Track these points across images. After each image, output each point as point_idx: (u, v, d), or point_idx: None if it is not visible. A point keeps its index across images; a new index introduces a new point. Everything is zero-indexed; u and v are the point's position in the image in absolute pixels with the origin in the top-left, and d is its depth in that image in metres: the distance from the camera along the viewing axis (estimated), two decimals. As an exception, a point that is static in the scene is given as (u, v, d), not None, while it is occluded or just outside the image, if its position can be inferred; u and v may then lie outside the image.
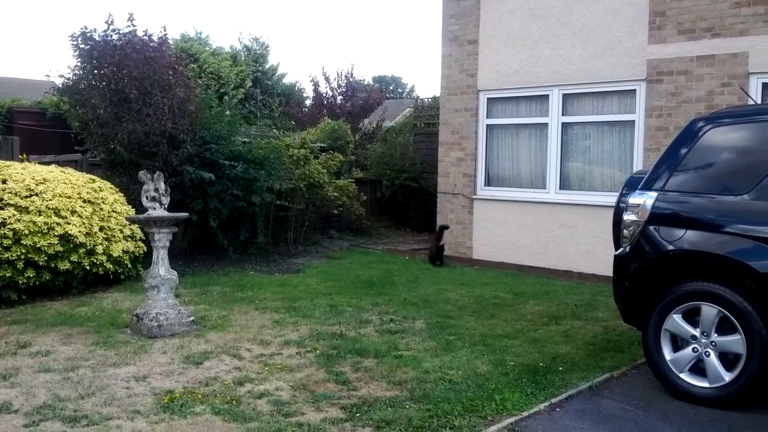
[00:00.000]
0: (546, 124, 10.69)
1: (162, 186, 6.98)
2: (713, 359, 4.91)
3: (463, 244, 11.59)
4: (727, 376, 4.85)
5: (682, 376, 5.06)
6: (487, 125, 11.43)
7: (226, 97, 11.06)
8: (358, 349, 6.12)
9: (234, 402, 4.90)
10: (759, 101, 8.39)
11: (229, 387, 5.20)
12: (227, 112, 10.96)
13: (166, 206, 7.02)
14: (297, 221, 12.08)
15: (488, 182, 11.47)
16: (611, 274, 5.78)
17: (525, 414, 4.71)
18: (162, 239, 6.83)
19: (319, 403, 4.91)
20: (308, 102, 23.87)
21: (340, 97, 21.33)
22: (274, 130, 13.39)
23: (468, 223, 11.54)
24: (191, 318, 6.86)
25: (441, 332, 6.78)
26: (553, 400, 4.93)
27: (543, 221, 10.60)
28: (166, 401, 4.86)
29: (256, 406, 4.84)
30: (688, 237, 5.14)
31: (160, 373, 5.48)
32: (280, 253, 11.61)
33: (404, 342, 6.42)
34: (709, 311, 4.92)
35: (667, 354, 5.14)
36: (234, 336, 6.54)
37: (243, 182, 10.16)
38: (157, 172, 7.13)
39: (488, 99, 11.37)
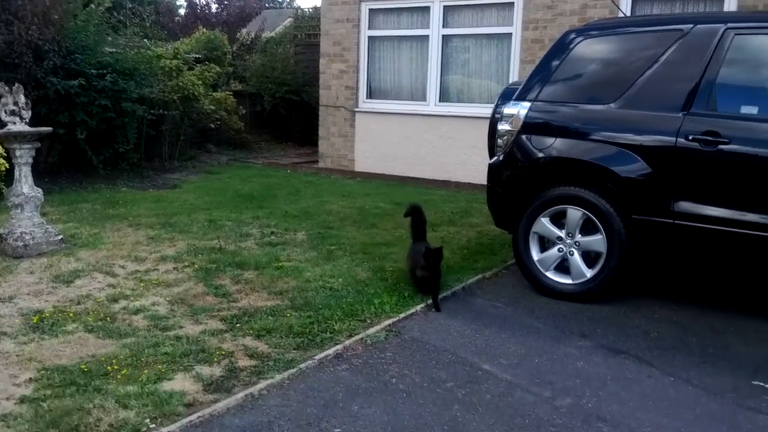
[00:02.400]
0: (427, 37, 10.68)
1: (22, 99, 6.48)
2: (576, 258, 5.23)
3: (345, 157, 11.60)
4: (589, 273, 5.19)
5: (548, 274, 5.37)
6: (369, 37, 11.29)
7: (92, 5, 10.19)
8: (238, 262, 6.08)
9: (108, 319, 4.77)
10: (628, 14, 8.70)
11: (103, 304, 5.05)
12: (94, 21, 10.19)
13: (28, 120, 6.54)
14: (172, 136, 11.64)
15: (370, 95, 11.44)
16: (486, 183, 5.96)
17: (402, 315, 4.87)
18: (24, 155, 6.40)
19: (197, 316, 4.87)
20: (182, 11, 22.66)
21: (215, 4, 20.38)
22: (145, 41, 12.63)
23: (350, 136, 11.53)
24: (60, 236, 6.55)
25: (322, 243, 6.83)
26: (429, 302, 5.11)
27: (423, 133, 10.74)
28: (35, 321, 4.67)
29: (132, 322, 4.74)
30: (557, 145, 5.35)
31: (28, 294, 5.24)
32: (155, 168, 11.19)
33: (285, 253, 6.43)
34: (574, 214, 5.20)
35: (535, 254, 5.43)
36: (106, 253, 6.32)
37: (112, 93, 9.62)
38: (16, 84, 6.61)
39: (370, 10, 11.19)
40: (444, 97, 10.68)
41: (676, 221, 4.84)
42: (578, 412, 3.63)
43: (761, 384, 3.95)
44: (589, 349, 4.44)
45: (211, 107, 11.89)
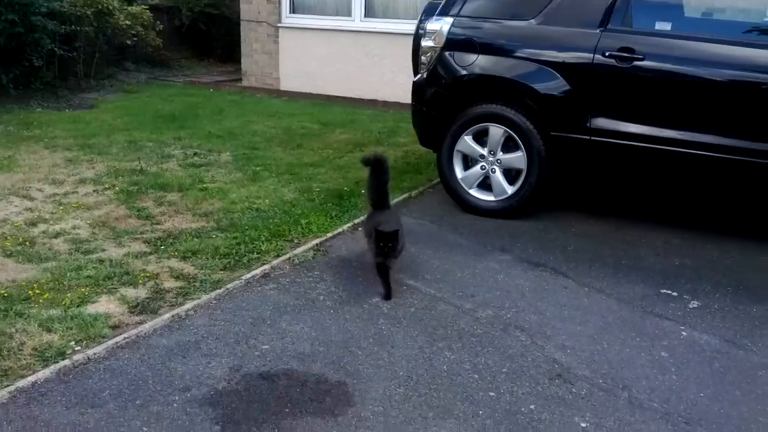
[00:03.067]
0: (351, -53, 10.38)
1: None
2: (498, 175, 5.35)
3: (270, 75, 11.34)
4: (510, 190, 5.33)
5: (471, 191, 5.49)
6: (291, -53, 10.90)
7: None
8: (161, 183, 5.97)
9: (27, 243, 4.65)
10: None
11: (21, 229, 4.91)
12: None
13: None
14: (87, 53, 11.07)
15: (293, 10, 11.11)
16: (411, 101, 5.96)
17: (329, 235, 4.92)
18: None
19: (120, 239, 4.80)
20: None
21: None
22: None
23: (274, 53, 11.25)
24: (-30, 160, 6.26)
25: (248, 164, 6.75)
26: (356, 221, 5.17)
27: (349, 50, 10.57)
28: (-52, 247, 4.51)
29: (53, 246, 4.63)
30: (479, 62, 5.37)
31: (-61, 219, 5.04)
32: (70, 88, 10.69)
33: (210, 175, 6.34)
34: (496, 131, 5.28)
35: (459, 173, 5.52)
36: (22, 177, 6.10)
37: (19, 7, 9.04)
38: None
39: None
40: (369, 12, 10.48)
41: (593, 137, 4.99)
42: (498, 323, 3.79)
43: (668, 292, 4.20)
44: (509, 262, 4.61)
45: (127, 22, 11.31)
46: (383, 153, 4.84)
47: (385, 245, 3.88)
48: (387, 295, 4.01)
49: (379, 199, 4.36)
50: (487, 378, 3.28)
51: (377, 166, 4.34)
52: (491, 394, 3.17)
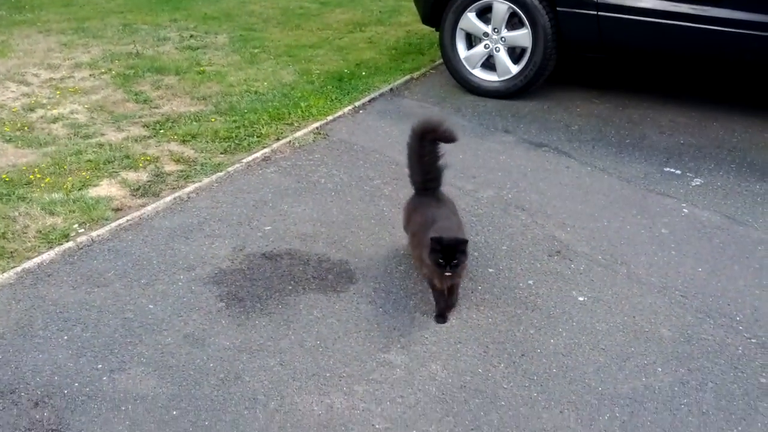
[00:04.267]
0: None
1: None
2: (502, 54, 5.20)
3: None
4: (514, 69, 5.19)
5: (475, 72, 5.35)
6: None
7: None
8: (158, 67, 5.84)
9: (26, 128, 4.61)
10: None
11: (19, 114, 4.86)
12: None
13: None
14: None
15: None
16: (414, -23, 5.73)
17: (330, 118, 4.85)
18: None
19: (119, 123, 4.74)
20: None
21: None
22: None
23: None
24: (-39, 45, 6.12)
25: (245, 46, 6.58)
26: (357, 104, 5.09)
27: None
28: (-55, 134, 4.48)
29: (51, 131, 4.59)
30: (484, -67, 5.11)
31: (-66, 106, 4.97)
32: (61, -31, 10.28)
33: (207, 58, 6.19)
34: (500, 7, 5.09)
35: (462, 52, 5.36)
36: (17, 62, 5.97)
37: None
38: None
39: None
40: None
41: (600, 13, 4.81)
42: (499, 203, 3.80)
43: (671, 170, 4.17)
44: (511, 143, 4.56)
45: None
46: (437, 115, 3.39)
47: (449, 261, 2.66)
48: (442, 316, 2.90)
49: (426, 180, 3.11)
50: (487, 255, 3.32)
51: (423, 135, 3.03)
52: (490, 270, 3.21)
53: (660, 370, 2.62)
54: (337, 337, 2.78)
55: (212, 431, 2.33)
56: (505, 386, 2.53)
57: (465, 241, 2.69)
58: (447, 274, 2.69)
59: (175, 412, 2.41)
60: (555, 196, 3.87)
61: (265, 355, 2.67)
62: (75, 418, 2.37)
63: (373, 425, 2.37)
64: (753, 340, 2.77)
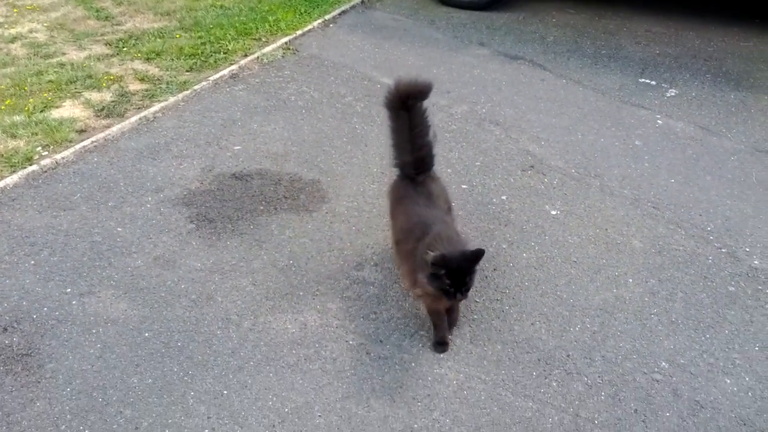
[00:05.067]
0: None
1: None
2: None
3: None
4: (489, -21, 5.05)
5: (448, -18, 5.19)
6: None
7: None
8: (118, -19, 5.59)
9: (-19, 49, 4.42)
10: None
11: (-27, 34, 4.65)
12: None
13: None
14: None
15: None
16: None
17: (299, 33, 4.70)
18: None
19: (80, 41, 4.56)
20: None
21: None
22: None
23: None
24: None
25: (210, -42, 6.30)
26: (327, 17, 4.93)
27: None
28: None
29: (10, 51, 4.41)
30: None
31: None
32: None
33: (170, -29, 5.92)
34: None
35: (435, -38, 5.19)
36: (-32, -22, 5.68)
37: None
38: None
39: None
40: None
41: None
42: (473, 118, 3.74)
43: (646, 81, 4.12)
44: (486, 57, 4.46)
45: None
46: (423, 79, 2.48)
47: (459, 286, 2.04)
48: (442, 344, 2.33)
49: (417, 159, 2.46)
50: (461, 172, 3.28)
51: (409, 102, 2.42)
52: (464, 186, 3.18)
53: (631, 281, 2.64)
54: (310, 257, 2.76)
55: (185, 352, 2.33)
56: (477, 300, 2.54)
57: (478, 255, 2.01)
58: (459, 298, 2.09)
59: (147, 334, 2.39)
60: (530, 109, 3.82)
61: (238, 276, 2.65)
62: (45, 342, 2.35)
63: (347, 341, 2.37)
64: (723, 250, 2.80)
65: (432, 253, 2.01)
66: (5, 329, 2.40)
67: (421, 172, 2.45)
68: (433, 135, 2.50)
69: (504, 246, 2.82)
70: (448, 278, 2.00)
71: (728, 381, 2.22)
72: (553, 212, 3.01)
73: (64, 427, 2.08)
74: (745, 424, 2.08)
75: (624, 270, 2.69)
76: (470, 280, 2.05)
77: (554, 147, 3.47)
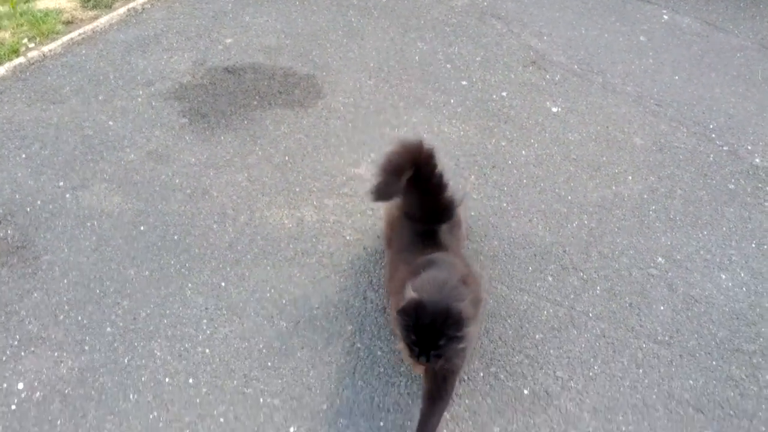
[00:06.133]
0: None
1: None
2: None
3: None
4: None
5: None
6: None
7: None
8: None
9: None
10: None
11: None
12: None
13: None
14: None
15: None
16: None
17: None
18: None
19: (62, -72, 4.34)
20: None
21: None
22: None
23: None
24: None
25: None
26: None
27: None
28: None
29: (-12, -62, 4.20)
30: None
31: None
32: None
33: None
34: None
35: None
36: None
37: None
38: None
39: None
40: None
41: None
42: (473, 11, 3.61)
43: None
44: (488, -53, 4.28)
45: None
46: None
47: (424, 347, 1.57)
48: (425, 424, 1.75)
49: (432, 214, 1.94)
50: (460, 67, 3.20)
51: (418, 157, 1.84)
52: (463, 83, 3.10)
53: (630, 178, 2.61)
54: (306, 153, 2.71)
55: (181, 245, 2.32)
56: (475, 197, 2.52)
57: (457, 314, 1.53)
58: (421, 365, 1.65)
59: (142, 228, 2.38)
60: (532, 3, 3.69)
61: (233, 171, 2.62)
62: (40, 235, 2.34)
63: (344, 236, 2.37)
64: (725, 148, 2.76)
65: (411, 296, 1.57)
66: (-1, 222, 2.38)
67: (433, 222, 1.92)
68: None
69: (503, 143, 2.77)
70: (414, 334, 1.56)
71: (723, 276, 2.23)
72: (554, 109, 2.95)
73: (62, 317, 2.09)
74: (737, 318, 2.10)
75: (624, 167, 2.66)
76: (446, 345, 1.55)
77: (557, 42, 3.37)
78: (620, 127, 2.86)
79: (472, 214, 2.45)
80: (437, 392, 1.72)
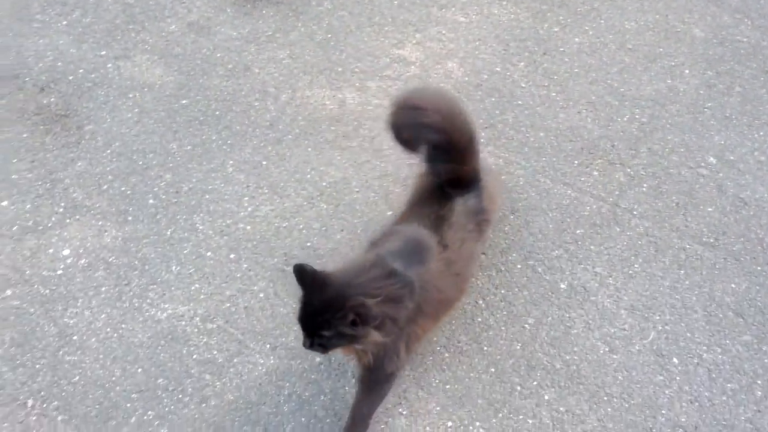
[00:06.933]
0: None
1: None
2: None
3: None
4: None
5: None
6: None
7: None
8: None
9: None
10: None
11: None
12: None
13: None
14: None
15: None
16: None
17: None
18: None
19: None
20: None
21: None
22: None
23: None
24: None
25: None
26: None
27: None
28: None
29: None
30: None
31: None
32: None
33: None
34: None
35: None
36: None
37: None
38: None
39: None
40: None
41: None
42: None
43: None
44: None
45: None
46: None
47: (308, 328, 1.39)
48: None
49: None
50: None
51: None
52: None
53: (687, 72, 2.50)
54: (349, 31, 2.63)
55: (223, 121, 2.30)
56: (523, 85, 2.44)
57: (354, 307, 1.32)
58: (306, 345, 1.40)
59: (184, 101, 2.36)
60: None
61: (274, 47, 2.55)
62: (82, 104, 2.33)
63: (384, 119, 2.32)
64: (791, 44, 2.61)
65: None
66: (42, 89, 2.37)
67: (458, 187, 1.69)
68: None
69: (556, 29, 2.65)
70: (302, 310, 1.38)
71: (776, 180, 2.17)
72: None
73: (106, 186, 2.12)
74: (786, 223, 2.05)
75: (681, 60, 2.54)
76: (332, 339, 1.36)
77: None
78: (680, 17, 2.71)
79: (519, 102, 2.38)
80: (366, 382, 1.57)
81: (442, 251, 1.56)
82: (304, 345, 1.39)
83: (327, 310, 1.33)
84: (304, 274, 1.35)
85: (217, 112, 2.33)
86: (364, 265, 1.43)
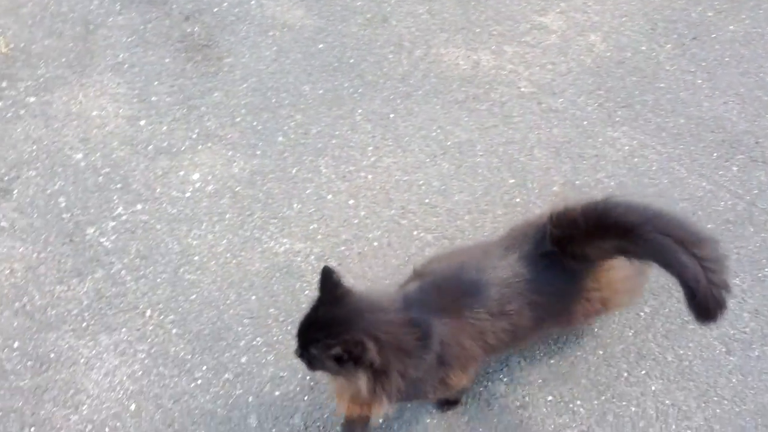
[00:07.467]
0: None
1: None
2: None
3: None
4: None
5: None
6: None
7: None
8: None
9: None
10: None
11: None
12: None
13: None
14: None
15: None
16: None
17: None
18: None
19: None
20: None
21: None
22: None
23: None
24: None
25: None
26: None
27: None
28: None
29: None
30: None
31: None
32: None
33: None
34: None
35: None
36: None
37: None
38: None
39: None
40: None
41: None
42: None
43: None
44: None
45: None
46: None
47: (301, 341, 1.32)
48: None
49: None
50: None
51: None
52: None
53: None
54: (492, -7, 2.57)
55: (356, 69, 2.31)
56: (668, 68, 2.33)
57: (349, 340, 1.22)
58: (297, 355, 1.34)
59: (321, 45, 2.38)
60: None
61: (414, 1, 2.53)
62: (224, 37, 2.39)
63: (518, 87, 2.27)
64: None
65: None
66: (187, 18, 2.45)
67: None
68: None
69: (710, 14, 2.50)
70: (307, 317, 1.32)
71: None
72: (778, -17, 2.61)
73: (239, 119, 2.18)
74: None
75: None
76: (316, 357, 1.28)
77: None
78: None
79: (661, 85, 2.27)
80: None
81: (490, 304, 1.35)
82: (295, 352, 1.33)
83: (324, 329, 1.25)
84: (327, 280, 1.28)
85: (352, 60, 2.34)
86: (388, 303, 1.32)
